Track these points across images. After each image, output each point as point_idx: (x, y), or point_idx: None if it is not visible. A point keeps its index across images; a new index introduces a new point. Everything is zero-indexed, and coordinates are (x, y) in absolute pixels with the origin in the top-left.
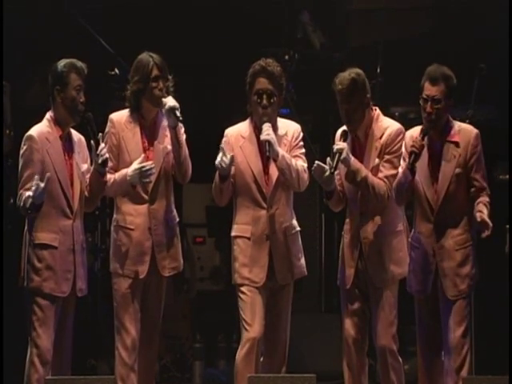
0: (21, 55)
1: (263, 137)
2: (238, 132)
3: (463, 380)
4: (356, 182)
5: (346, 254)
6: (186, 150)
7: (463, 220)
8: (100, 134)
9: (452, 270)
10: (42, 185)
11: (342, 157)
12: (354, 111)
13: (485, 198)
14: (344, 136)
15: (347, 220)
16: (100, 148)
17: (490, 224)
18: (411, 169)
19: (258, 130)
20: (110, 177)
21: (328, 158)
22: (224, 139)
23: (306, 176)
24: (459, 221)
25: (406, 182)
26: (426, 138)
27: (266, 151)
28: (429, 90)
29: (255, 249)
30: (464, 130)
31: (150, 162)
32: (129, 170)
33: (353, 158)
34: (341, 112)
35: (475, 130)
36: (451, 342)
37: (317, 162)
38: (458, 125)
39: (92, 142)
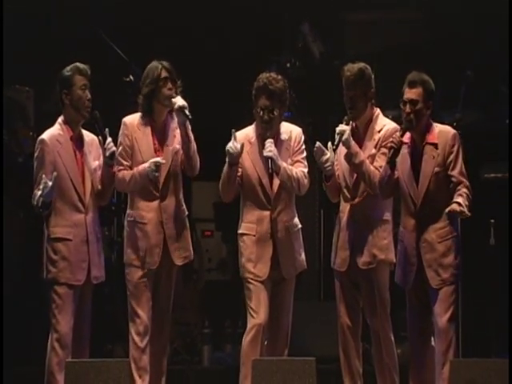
0: (44, 63)
1: (266, 153)
2: (245, 137)
3: (451, 363)
4: (354, 164)
5: (341, 238)
6: (194, 145)
7: (444, 214)
8: (107, 129)
9: (435, 261)
10: (50, 183)
11: (343, 138)
12: (358, 99)
13: (462, 190)
14: (346, 122)
15: (341, 208)
16: (107, 142)
17: (459, 209)
18: (390, 163)
19: (262, 137)
20: (126, 173)
21: (329, 143)
22: None
23: (306, 181)
24: (441, 215)
25: (386, 176)
26: (407, 137)
27: (269, 168)
28: (407, 93)
29: (260, 246)
30: (442, 132)
31: (161, 159)
32: (146, 164)
33: (353, 142)
34: (345, 99)
35: (453, 131)
36: (439, 327)
37: (318, 143)
38: (437, 127)
39: (100, 137)
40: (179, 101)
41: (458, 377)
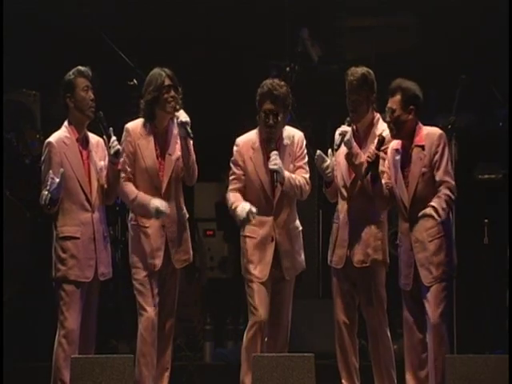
0: (50, 67)
1: (271, 166)
2: (248, 143)
3: (446, 359)
4: (354, 164)
5: (339, 236)
6: (193, 156)
7: None
8: (111, 129)
9: (426, 260)
10: (57, 180)
11: (345, 138)
12: (360, 103)
13: (442, 191)
14: (348, 123)
15: (338, 207)
16: (111, 140)
17: (428, 212)
18: (371, 176)
19: (265, 142)
20: (130, 191)
21: (329, 150)
22: (235, 148)
23: (307, 188)
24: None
25: (371, 188)
26: (398, 144)
27: (275, 181)
28: (388, 101)
29: (261, 248)
30: (429, 134)
31: (165, 208)
32: (152, 203)
33: (355, 143)
34: (348, 102)
35: (439, 132)
36: (431, 323)
37: (318, 151)
38: (425, 129)
39: (104, 136)
40: (182, 116)
41: (453, 373)
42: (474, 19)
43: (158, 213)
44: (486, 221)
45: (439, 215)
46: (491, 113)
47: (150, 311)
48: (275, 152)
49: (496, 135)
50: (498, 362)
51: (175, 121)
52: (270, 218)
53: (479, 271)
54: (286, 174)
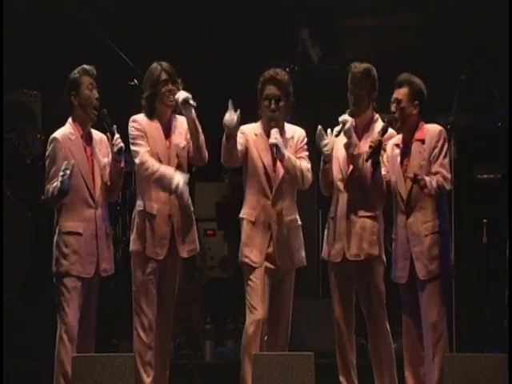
0: (51, 68)
1: (271, 140)
2: (251, 129)
3: (445, 357)
4: (352, 154)
5: (337, 229)
6: (202, 135)
7: (431, 208)
8: (114, 126)
9: (422, 254)
10: (68, 171)
11: (345, 127)
12: (362, 97)
13: (436, 177)
14: (350, 113)
15: (334, 200)
16: (115, 138)
17: (415, 175)
18: (372, 162)
19: (268, 132)
20: (154, 161)
21: (328, 130)
22: (239, 134)
23: (309, 175)
24: (427, 209)
25: (370, 176)
26: (398, 139)
27: (274, 153)
28: (394, 93)
29: (257, 233)
30: (430, 129)
31: (185, 185)
32: (176, 177)
33: (354, 133)
34: (349, 96)
35: (440, 128)
36: (428, 321)
37: (320, 127)
38: (426, 126)
39: (108, 134)
40: (181, 94)
41: (451, 371)
42: (474, 19)
43: (177, 187)
44: (485, 221)
45: (425, 181)
46: (491, 113)
47: (148, 312)
48: (276, 129)
49: (496, 135)
50: (496, 360)
51: (179, 104)
52: (269, 203)
53: (478, 271)
54: (287, 153)
